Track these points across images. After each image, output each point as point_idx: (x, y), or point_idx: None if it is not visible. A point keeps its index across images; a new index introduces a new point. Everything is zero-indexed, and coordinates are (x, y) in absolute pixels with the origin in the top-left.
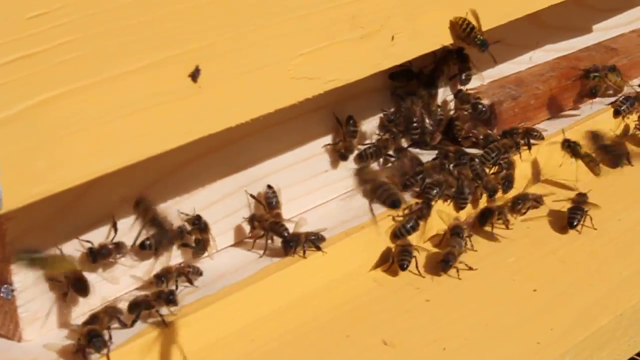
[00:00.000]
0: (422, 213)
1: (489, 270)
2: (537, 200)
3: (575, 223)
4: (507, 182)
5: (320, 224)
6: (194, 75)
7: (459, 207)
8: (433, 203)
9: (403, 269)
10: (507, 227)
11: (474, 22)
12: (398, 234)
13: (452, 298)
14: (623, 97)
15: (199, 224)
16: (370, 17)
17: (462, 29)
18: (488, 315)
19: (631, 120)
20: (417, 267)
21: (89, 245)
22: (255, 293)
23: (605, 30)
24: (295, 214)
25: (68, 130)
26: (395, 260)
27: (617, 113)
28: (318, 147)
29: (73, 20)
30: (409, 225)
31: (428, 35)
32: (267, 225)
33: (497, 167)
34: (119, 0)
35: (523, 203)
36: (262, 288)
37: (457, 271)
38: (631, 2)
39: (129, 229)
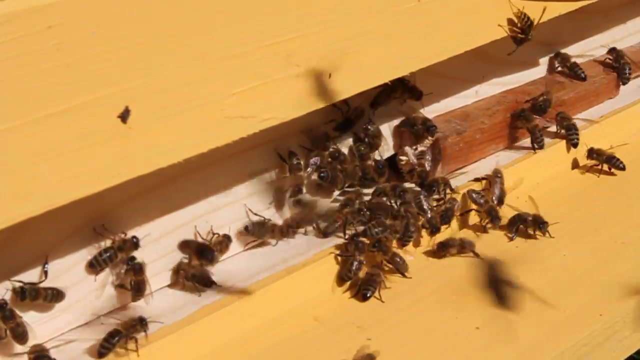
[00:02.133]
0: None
1: (433, 306)
2: (464, 245)
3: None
4: (446, 217)
5: (263, 262)
6: (124, 115)
7: (402, 244)
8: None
9: (365, 298)
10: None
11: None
12: (345, 278)
13: (394, 337)
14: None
15: (132, 266)
16: (306, 55)
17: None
18: (430, 354)
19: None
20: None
21: (20, 284)
22: (193, 333)
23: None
24: (238, 250)
25: None
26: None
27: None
28: (260, 184)
29: None
30: (354, 268)
31: (365, 73)
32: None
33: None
34: (41, 42)
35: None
36: (199, 328)
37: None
38: (579, 35)
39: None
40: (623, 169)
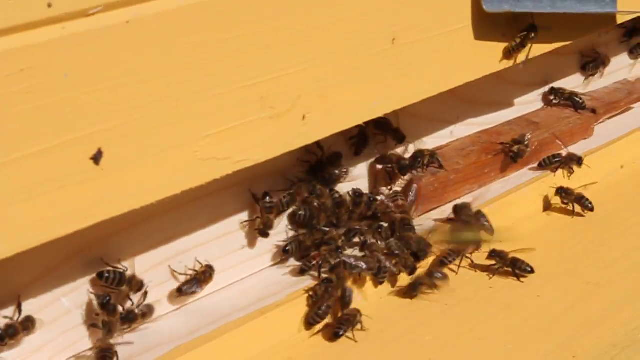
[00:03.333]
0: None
1: (406, 348)
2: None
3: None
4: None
5: (237, 301)
6: (96, 157)
7: (379, 282)
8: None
9: (337, 336)
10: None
11: None
12: (312, 322)
13: None
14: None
15: (107, 306)
16: (280, 96)
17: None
18: None
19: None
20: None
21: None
22: None
23: (526, 104)
24: (211, 291)
25: None
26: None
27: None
28: (234, 224)
29: None
30: (320, 312)
31: (340, 114)
32: None
33: None
34: (14, 85)
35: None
36: None
37: None
38: (551, 77)
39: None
40: (591, 209)
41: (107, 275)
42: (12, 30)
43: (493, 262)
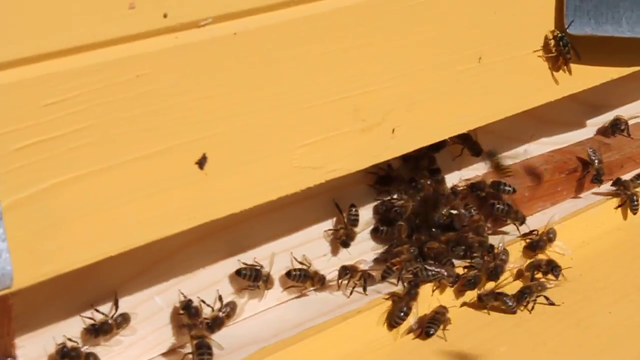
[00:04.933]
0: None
1: (483, 356)
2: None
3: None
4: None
5: (316, 307)
6: (201, 162)
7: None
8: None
9: (428, 335)
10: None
11: None
12: (393, 323)
13: None
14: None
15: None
16: (371, 110)
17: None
18: None
19: None
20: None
21: (91, 321)
22: None
23: (598, 126)
24: (289, 298)
25: (77, 214)
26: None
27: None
28: (316, 232)
29: (86, 109)
30: (402, 314)
31: (427, 128)
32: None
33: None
34: (130, 90)
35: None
36: None
37: None
38: (625, 98)
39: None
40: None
41: (244, 272)
42: (130, 39)
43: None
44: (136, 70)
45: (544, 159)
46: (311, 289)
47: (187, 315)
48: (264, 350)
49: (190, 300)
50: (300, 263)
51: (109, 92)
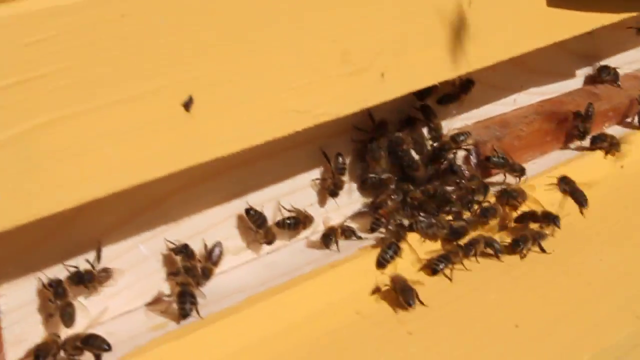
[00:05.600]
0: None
1: (472, 306)
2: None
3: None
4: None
5: (304, 256)
6: (187, 104)
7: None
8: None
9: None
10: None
11: None
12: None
13: (434, 332)
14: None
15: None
16: (360, 54)
17: None
18: (470, 350)
19: None
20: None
21: (74, 269)
22: (239, 323)
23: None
24: (277, 247)
25: (60, 156)
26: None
27: None
28: (303, 182)
29: (68, 48)
30: (390, 250)
31: (417, 73)
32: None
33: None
34: (113, 30)
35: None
36: (244, 319)
37: None
38: (614, 49)
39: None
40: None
41: (252, 213)
42: None
43: None
44: (121, 10)
45: (533, 109)
46: (303, 232)
47: (183, 258)
48: (251, 298)
49: (185, 245)
50: (289, 211)
51: (93, 32)
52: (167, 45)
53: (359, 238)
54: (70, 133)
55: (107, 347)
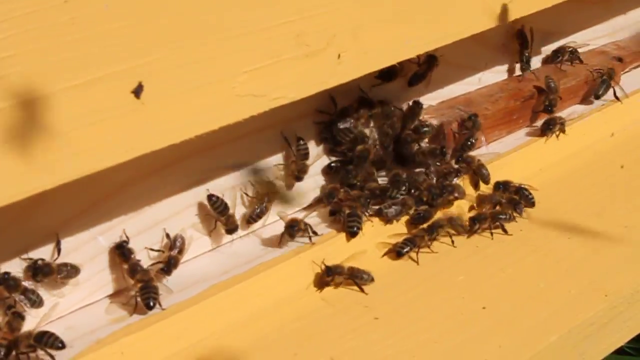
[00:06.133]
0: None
1: (439, 288)
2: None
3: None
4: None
5: (267, 243)
6: (137, 91)
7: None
8: None
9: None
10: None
11: None
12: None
13: (401, 316)
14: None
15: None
16: (315, 35)
17: None
18: (437, 333)
19: None
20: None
21: (31, 261)
22: (201, 311)
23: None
24: (244, 233)
25: (6, 147)
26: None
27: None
28: (266, 166)
29: (12, 35)
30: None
31: (374, 54)
32: None
33: None
34: (59, 17)
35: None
36: (207, 307)
37: None
38: (578, 25)
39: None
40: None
41: (214, 199)
42: None
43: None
44: None
45: (498, 87)
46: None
47: (120, 257)
48: (214, 287)
49: (124, 241)
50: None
51: (37, 18)
52: (112, 30)
53: (315, 234)
54: (14, 124)
55: (61, 345)
